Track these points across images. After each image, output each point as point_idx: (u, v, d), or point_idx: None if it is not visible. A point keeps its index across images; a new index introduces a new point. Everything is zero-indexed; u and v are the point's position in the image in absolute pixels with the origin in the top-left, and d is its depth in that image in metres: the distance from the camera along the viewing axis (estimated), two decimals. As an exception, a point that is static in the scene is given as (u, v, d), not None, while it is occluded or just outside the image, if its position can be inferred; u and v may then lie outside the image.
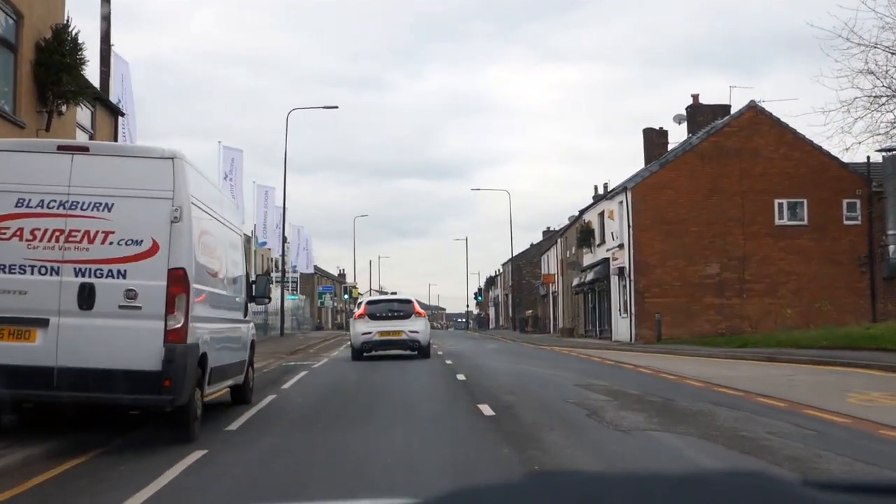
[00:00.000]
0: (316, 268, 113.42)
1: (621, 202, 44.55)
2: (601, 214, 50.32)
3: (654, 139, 52.84)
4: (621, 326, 44.50)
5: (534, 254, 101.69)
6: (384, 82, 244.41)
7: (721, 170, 42.52)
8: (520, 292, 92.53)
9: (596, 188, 74.06)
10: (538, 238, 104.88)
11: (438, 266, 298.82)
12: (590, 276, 50.28)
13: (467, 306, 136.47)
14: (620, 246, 44.20)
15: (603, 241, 49.45)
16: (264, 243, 52.70)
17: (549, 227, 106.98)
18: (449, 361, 26.85)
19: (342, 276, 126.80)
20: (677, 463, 9.06)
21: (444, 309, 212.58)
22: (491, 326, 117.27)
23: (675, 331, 40.65)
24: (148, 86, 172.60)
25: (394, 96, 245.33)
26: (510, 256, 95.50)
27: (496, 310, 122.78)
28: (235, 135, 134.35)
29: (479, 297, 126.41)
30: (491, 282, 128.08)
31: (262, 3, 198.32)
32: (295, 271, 74.73)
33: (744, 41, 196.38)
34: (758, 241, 41.99)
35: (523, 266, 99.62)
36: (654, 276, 42.10)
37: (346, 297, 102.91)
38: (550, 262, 74.58)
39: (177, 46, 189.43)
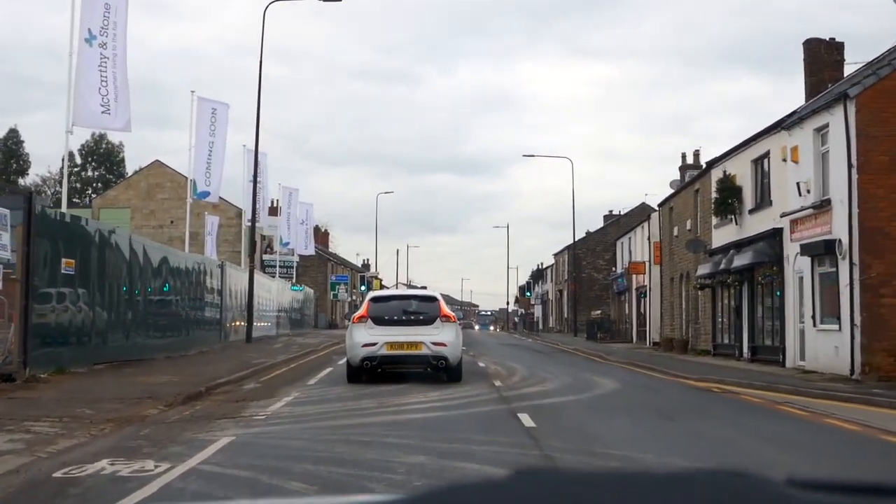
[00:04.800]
0: (329, 253, 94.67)
1: (822, 129, 25.32)
2: (759, 161, 31.06)
3: (824, 55, 33.17)
4: (818, 345, 25.27)
5: (594, 242, 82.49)
6: (414, 76, 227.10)
7: None
8: (580, 287, 73.18)
9: (684, 156, 55.74)
10: (567, 237, 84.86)
11: (471, 262, 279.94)
12: (739, 259, 30.95)
13: (507, 303, 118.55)
14: (821, 205, 24.97)
15: (764, 203, 30.25)
16: (206, 194, 33.68)
17: (610, 211, 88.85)
18: None
19: (366, 266, 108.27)
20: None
21: (477, 306, 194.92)
22: (538, 328, 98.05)
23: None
24: (182, 78, 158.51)
25: (424, 90, 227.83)
26: (568, 243, 76.16)
27: (544, 308, 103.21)
28: (263, 126, 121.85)
29: (529, 293, 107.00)
30: (538, 275, 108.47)
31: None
32: (288, 251, 55.85)
33: (780, 40, 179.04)
34: None
35: (582, 256, 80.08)
36: (897, 256, 22.90)
37: (363, 288, 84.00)
38: (636, 248, 55.24)
39: (209, 38, 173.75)
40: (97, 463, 9.51)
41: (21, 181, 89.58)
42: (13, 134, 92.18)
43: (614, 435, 12.19)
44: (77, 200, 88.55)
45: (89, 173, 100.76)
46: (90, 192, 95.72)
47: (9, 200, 16.92)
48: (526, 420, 13.22)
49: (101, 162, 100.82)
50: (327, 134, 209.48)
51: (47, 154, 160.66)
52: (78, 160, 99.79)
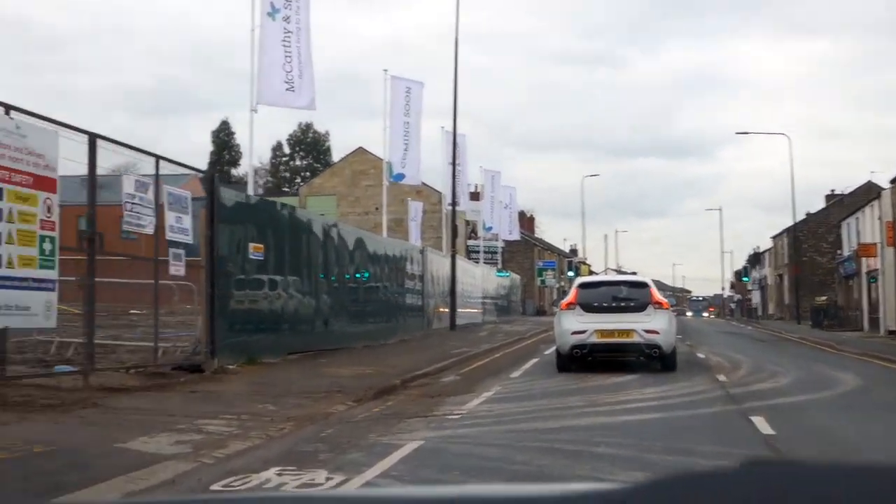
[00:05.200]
0: (535, 238, 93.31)
1: None
2: None
3: None
4: None
5: (816, 224, 77.87)
6: (618, 59, 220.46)
7: None
8: (802, 271, 68.99)
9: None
10: (783, 220, 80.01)
11: (681, 247, 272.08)
12: None
13: (722, 288, 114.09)
14: None
15: None
16: (401, 176, 32.64)
17: (832, 191, 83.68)
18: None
19: (573, 251, 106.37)
20: None
21: (689, 291, 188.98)
22: (757, 315, 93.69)
23: None
24: (386, 67, 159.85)
25: (628, 73, 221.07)
26: (787, 226, 72.05)
27: (762, 294, 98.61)
28: (467, 113, 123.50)
29: (746, 278, 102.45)
30: (755, 260, 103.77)
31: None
32: (492, 236, 54.67)
33: None
34: None
35: (803, 239, 75.55)
36: None
37: (570, 274, 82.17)
38: (864, 229, 51.21)
39: (418, 26, 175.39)
40: (264, 473, 8.25)
41: (234, 171, 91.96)
42: (224, 126, 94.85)
43: (873, 446, 10.08)
44: (286, 189, 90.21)
45: (297, 162, 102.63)
46: (298, 180, 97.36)
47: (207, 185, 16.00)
48: (762, 425, 11.22)
49: (308, 151, 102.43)
50: (529, 119, 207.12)
51: (257, 146, 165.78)
52: (286, 150, 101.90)
